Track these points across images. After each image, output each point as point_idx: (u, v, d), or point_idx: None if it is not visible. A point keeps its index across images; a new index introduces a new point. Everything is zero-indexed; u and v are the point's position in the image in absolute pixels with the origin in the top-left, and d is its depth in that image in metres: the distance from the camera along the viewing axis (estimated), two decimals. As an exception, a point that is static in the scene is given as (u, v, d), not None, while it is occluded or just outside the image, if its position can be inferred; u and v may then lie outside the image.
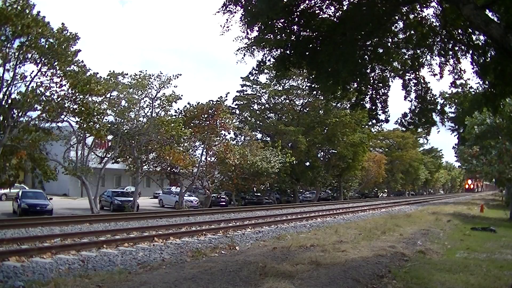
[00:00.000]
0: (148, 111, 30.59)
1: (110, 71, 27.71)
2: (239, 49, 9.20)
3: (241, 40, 8.94)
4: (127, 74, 28.50)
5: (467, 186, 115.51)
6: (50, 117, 23.29)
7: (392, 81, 10.34)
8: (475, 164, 34.20)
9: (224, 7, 8.40)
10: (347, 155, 49.70)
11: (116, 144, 29.46)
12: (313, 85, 10.71)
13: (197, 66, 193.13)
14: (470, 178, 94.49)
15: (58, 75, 22.26)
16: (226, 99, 35.97)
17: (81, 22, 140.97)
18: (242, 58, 9.22)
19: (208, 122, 33.75)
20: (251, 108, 52.14)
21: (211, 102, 34.17)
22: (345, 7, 9.09)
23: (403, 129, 11.85)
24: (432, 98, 10.27)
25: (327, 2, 8.97)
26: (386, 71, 10.21)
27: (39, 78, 22.02)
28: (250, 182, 39.48)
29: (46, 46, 21.30)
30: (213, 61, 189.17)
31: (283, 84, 48.48)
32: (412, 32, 9.69)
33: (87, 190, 26.96)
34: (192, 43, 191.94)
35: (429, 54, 9.85)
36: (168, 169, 34.71)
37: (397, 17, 9.45)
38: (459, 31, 9.37)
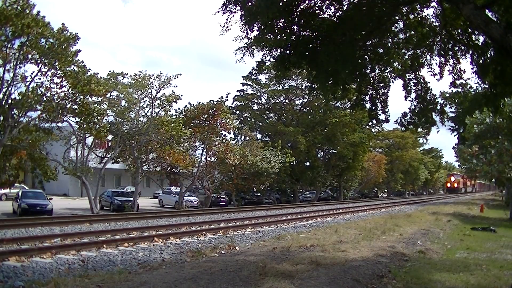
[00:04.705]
0: (148, 111, 30.64)
1: (110, 71, 27.80)
2: (238, 48, 9.21)
3: (241, 40, 8.95)
4: (127, 74, 28.60)
5: (448, 185, 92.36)
6: (50, 117, 23.33)
7: (392, 81, 10.36)
8: (475, 164, 34.22)
9: (224, 6, 8.39)
10: (347, 155, 49.65)
11: (116, 144, 29.48)
12: (313, 85, 10.71)
13: (200, 65, 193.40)
14: (454, 175, 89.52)
15: (58, 76, 22.31)
16: (227, 100, 36.05)
17: (83, 21, 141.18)
18: (242, 58, 9.22)
19: (208, 122, 33.73)
20: (251, 108, 52.14)
21: (212, 102, 34.18)
22: (345, 7, 9.09)
23: (403, 128, 11.87)
24: (432, 98, 10.29)
25: (327, 2, 8.96)
26: (386, 71, 10.22)
27: (39, 79, 22.16)
28: (250, 182, 39.46)
29: (46, 46, 21.35)
30: (216, 60, 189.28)
31: (283, 84, 48.41)
32: (412, 32, 9.70)
33: (87, 190, 26.97)
34: (195, 42, 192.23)
35: (429, 54, 9.86)
36: (168, 169, 34.69)
37: (397, 17, 9.46)
38: (459, 31, 9.38)
